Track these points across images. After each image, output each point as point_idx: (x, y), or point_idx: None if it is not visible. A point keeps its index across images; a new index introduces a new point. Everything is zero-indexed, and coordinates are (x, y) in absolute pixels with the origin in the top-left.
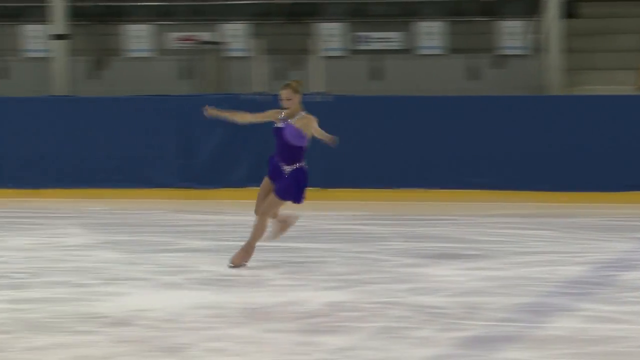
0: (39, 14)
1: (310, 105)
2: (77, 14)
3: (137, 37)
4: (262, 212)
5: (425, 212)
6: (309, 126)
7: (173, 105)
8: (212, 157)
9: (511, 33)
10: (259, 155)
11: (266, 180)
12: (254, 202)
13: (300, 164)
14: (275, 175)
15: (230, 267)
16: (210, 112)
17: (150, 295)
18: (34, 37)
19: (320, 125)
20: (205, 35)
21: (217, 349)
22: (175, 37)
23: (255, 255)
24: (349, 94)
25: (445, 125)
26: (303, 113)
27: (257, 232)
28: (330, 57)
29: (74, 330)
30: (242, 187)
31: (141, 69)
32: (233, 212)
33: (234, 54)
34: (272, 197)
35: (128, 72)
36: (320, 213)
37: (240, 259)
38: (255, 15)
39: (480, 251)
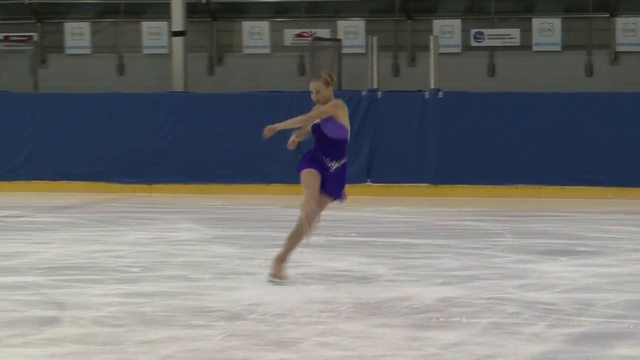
0: (158, 11)
1: (421, 102)
2: (195, 11)
3: (254, 33)
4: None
5: (536, 208)
6: (330, 109)
7: (288, 101)
8: None
9: (628, 29)
10: (371, 151)
11: (317, 175)
12: (371, 197)
13: (345, 159)
14: (322, 170)
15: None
16: (267, 133)
17: (263, 289)
18: (153, 34)
19: (432, 121)
20: (321, 32)
21: (328, 343)
22: (292, 34)
23: (367, 251)
24: (460, 90)
25: (559, 121)
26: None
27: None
28: (445, 54)
29: (187, 324)
30: (356, 183)
31: (257, 65)
32: (346, 208)
33: (350, 50)
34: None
35: (244, 69)
36: (432, 209)
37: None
38: (371, 12)
39: (592, 248)
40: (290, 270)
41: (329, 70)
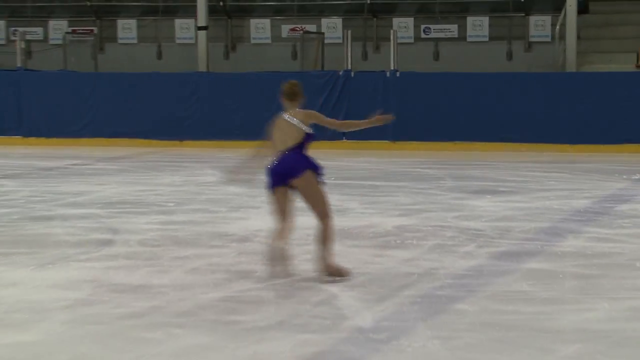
0: (187, 11)
1: (384, 80)
2: (215, 11)
3: (259, 28)
4: (323, 215)
5: (469, 159)
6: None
7: (285, 78)
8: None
9: (538, 25)
10: (346, 116)
11: (279, 191)
12: (345, 151)
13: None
14: (286, 177)
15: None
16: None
17: (265, 219)
18: (183, 28)
19: (392, 94)
20: (309, 27)
21: (312, 259)
22: (288, 29)
23: (342, 190)
24: (413, 71)
25: (486, 94)
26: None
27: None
28: (401, 44)
29: (208, 244)
30: (334, 140)
31: (261, 52)
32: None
33: (331, 41)
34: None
35: (252, 55)
36: (391, 160)
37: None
38: (347, 12)
39: (510, 188)
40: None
41: (314, 57)
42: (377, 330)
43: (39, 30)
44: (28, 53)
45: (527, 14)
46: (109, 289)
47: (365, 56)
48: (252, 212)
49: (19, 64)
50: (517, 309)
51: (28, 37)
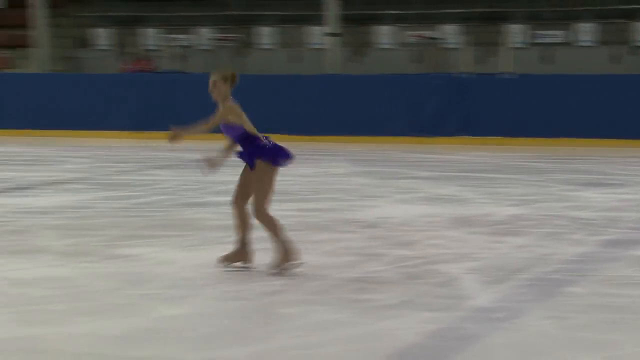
0: (319, 19)
1: (499, 81)
2: (344, 19)
3: (384, 34)
4: (257, 211)
5: (577, 154)
6: (223, 115)
7: (407, 80)
8: (432, 113)
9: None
10: (465, 112)
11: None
12: (463, 146)
13: (256, 146)
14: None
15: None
16: (173, 138)
17: (391, 207)
18: (316, 35)
19: (508, 98)
20: (429, 33)
21: (434, 244)
22: (410, 34)
23: (461, 182)
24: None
25: (593, 95)
26: (228, 103)
27: (272, 227)
28: (514, 48)
29: (340, 229)
30: (452, 136)
31: (386, 56)
32: (447, 152)
33: (449, 45)
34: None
35: (377, 59)
36: (505, 154)
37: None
38: (464, 19)
39: (618, 181)
40: (408, 194)
41: (433, 61)
42: (494, 310)
43: (191, 37)
44: (180, 57)
45: (632, 20)
46: (252, 269)
47: (480, 60)
48: (380, 200)
49: (172, 67)
50: (626, 293)
51: (181, 43)
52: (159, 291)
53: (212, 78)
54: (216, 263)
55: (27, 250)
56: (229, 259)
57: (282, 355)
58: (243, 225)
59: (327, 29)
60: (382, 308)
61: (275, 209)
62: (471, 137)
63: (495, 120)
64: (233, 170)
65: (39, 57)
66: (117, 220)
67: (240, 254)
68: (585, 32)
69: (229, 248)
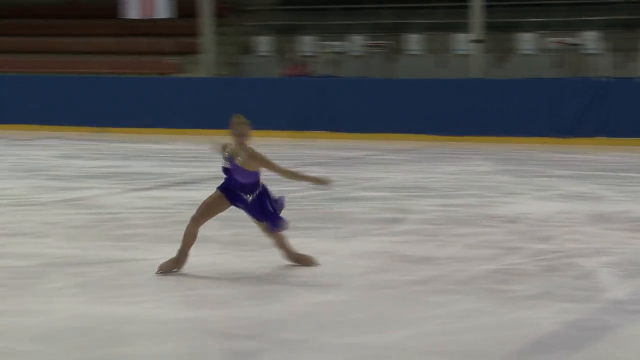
0: (465, 27)
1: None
2: (488, 26)
3: (526, 40)
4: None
5: None
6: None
7: (549, 84)
8: (572, 115)
9: None
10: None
11: (220, 197)
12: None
13: (259, 189)
14: (234, 198)
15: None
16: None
17: (530, 204)
18: (461, 42)
19: None
20: (570, 39)
21: (572, 239)
22: (551, 41)
23: (597, 180)
24: None
25: None
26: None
27: (187, 239)
28: None
29: (482, 224)
30: (591, 137)
31: (528, 62)
32: (586, 152)
33: (589, 51)
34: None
35: (519, 64)
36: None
37: (170, 267)
38: (604, 25)
39: None
40: (546, 192)
41: (573, 66)
42: (630, 303)
43: (343, 44)
44: (333, 63)
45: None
46: (399, 260)
47: (619, 65)
48: (520, 197)
49: (326, 72)
50: None
51: (334, 49)
52: (311, 279)
53: (246, 121)
54: (157, 272)
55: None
56: (165, 267)
57: (428, 341)
58: (191, 242)
59: (472, 36)
60: (521, 298)
61: (420, 204)
62: (609, 137)
63: (633, 122)
64: (385, 168)
65: (206, 62)
66: None
67: (178, 262)
68: None
69: (378, 240)
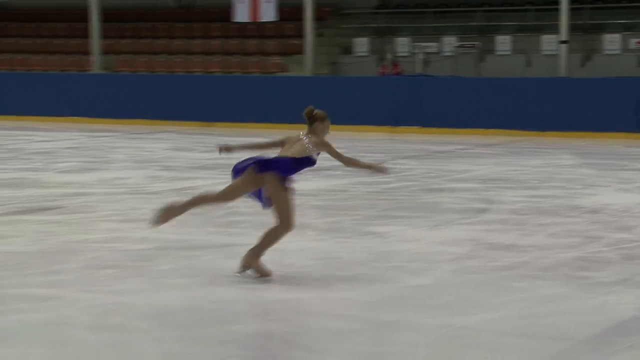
0: (552, 28)
1: None
2: (574, 27)
3: (610, 41)
4: (284, 221)
5: None
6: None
7: (631, 82)
8: None
9: None
10: None
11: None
12: None
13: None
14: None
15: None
16: (222, 149)
17: (612, 195)
18: (548, 42)
19: None
20: None
21: None
22: (636, 41)
23: None
24: None
25: None
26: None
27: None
28: None
29: (565, 214)
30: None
31: (612, 61)
32: None
33: None
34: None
35: (604, 64)
36: None
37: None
38: None
39: None
40: (629, 184)
41: None
42: None
43: (435, 45)
44: (426, 63)
45: None
46: (485, 247)
47: None
48: (602, 189)
49: (419, 71)
50: None
51: (426, 50)
52: (403, 264)
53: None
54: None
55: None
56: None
57: (512, 323)
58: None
59: (559, 37)
60: (602, 285)
61: (508, 195)
62: None
63: None
64: (473, 161)
65: (307, 62)
66: (368, 202)
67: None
68: None
69: (466, 228)
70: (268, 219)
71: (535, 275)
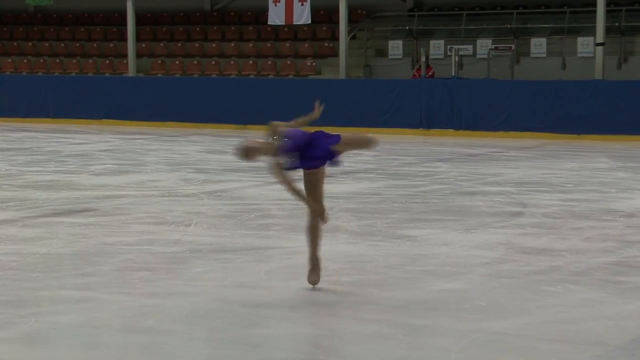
0: (587, 30)
1: None
2: (610, 30)
3: None
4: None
5: None
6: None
7: None
8: None
9: None
10: None
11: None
12: None
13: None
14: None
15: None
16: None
17: None
18: (584, 45)
19: None
20: None
21: None
22: None
23: None
24: None
25: None
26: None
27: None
28: None
29: (600, 218)
30: None
31: None
32: None
33: None
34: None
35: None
36: None
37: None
38: None
39: None
40: None
41: None
42: None
43: (469, 47)
44: (460, 65)
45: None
46: (518, 251)
47: None
48: (638, 193)
49: (453, 74)
50: None
51: (460, 53)
52: (436, 268)
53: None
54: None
55: (327, 229)
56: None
57: (545, 328)
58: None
59: (595, 39)
60: (637, 290)
61: (542, 199)
62: None
63: None
64: (507, 164)
65: (341, 65)
66: (401, 206)
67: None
68: None
69: (499, 232)
70: (300, 221)
71: (569, 279)
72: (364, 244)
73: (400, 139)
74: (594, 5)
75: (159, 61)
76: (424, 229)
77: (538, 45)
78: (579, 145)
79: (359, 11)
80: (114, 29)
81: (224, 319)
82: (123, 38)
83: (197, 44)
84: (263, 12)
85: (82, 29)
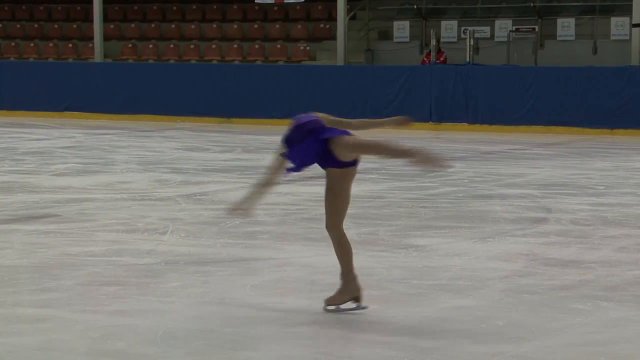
0: (623, 9)
1: None
2: None
3: (565, 27)
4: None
5: None
6: None
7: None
8: None
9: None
10: None
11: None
12: None
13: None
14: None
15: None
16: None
17: None
18: (618, 26)
19: None
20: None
21: None
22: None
23: None
24: None
25: None
26: None
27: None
28: None
29: (636, 225)
30: None
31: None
32: None
33: None
34: None
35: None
36: None
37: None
38: None
39: None
40: None
41: None
42: None
43: (486, 29)
44: (476, 49)
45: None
46: (542, 263)
47: None
48: None
49: (467, 59)
50: None
51: (476, 35)
52: (447, 282)
53: None
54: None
55: (322, 238)
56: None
57: (571, 352)
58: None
59: (630, 19)
60: None
61: (567, 203)
62: None
63: None
64: (529, 163)
65: (339, 49)
66: (407, 211)
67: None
68: None
69: (519, 241)
70: (291, 229)
71: (600, 295)
72: (365, 254)
73: (407, 134)
74: None
75: (130, 45)
76: (434, 238)
77: (565, 27)
78: (612, 141)
79: None
80: (78, 8)
81: (204, 340)
82: (88, 18)
83: (173, 25)
84: None
85: (41, 8)
